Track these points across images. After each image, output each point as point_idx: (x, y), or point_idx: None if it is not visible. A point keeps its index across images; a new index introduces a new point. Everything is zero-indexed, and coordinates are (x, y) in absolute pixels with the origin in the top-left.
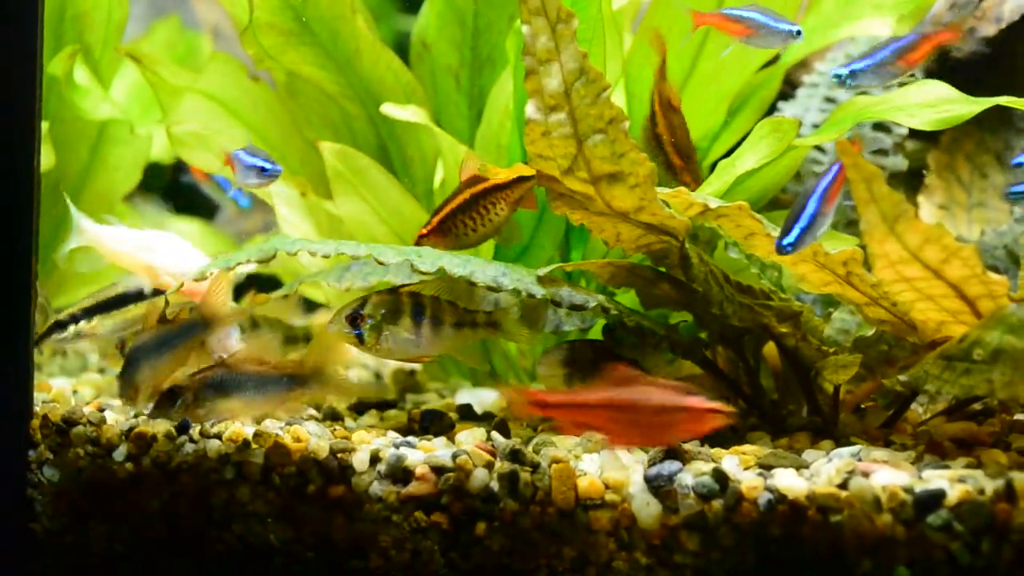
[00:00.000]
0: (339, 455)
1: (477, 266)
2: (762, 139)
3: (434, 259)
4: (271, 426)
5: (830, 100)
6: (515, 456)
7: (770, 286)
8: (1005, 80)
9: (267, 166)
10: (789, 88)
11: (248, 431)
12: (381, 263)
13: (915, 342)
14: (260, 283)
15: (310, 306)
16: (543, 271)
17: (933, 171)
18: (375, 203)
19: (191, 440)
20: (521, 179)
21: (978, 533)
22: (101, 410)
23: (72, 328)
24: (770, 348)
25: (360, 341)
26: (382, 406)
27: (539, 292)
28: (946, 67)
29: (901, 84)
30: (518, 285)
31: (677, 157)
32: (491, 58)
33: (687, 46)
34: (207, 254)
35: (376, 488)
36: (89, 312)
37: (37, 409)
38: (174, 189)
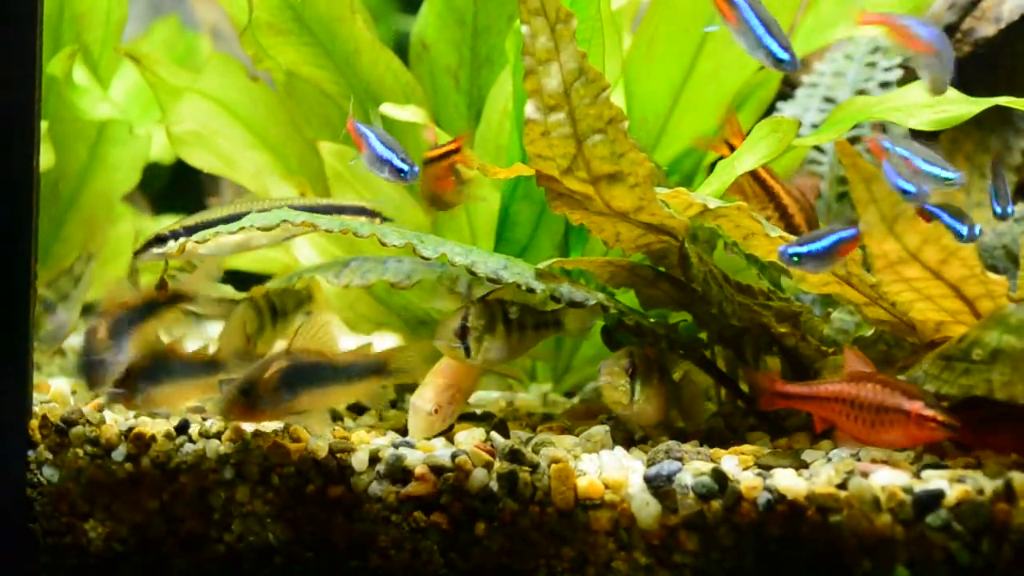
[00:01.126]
0: (338, 455)
1: (479, 256)
2: (761, 139)
3: (436, 245)
4: (270, 426)
5: (829, 100)
6: (514, 456)
7: (769, 286)
8: (1005, 80)
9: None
10: (788, 88)
11: (247, 430)
12: (384, 244)
13: (914, 342)
14: (252, 281)
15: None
16: (542, 266)
17: None
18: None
19: (190, 440)
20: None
21: (977, 533)
22: (100, 410)
23: (172, 243)
24: None
25: (467, 354)
26: None
27: (538, 287)
28: None
29: (900, 83)
30: (518, 279)
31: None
32: (490, 58)
33: (686, 46)
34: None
35: (375, 488)
36: (191, 230)
37: (36, 409)
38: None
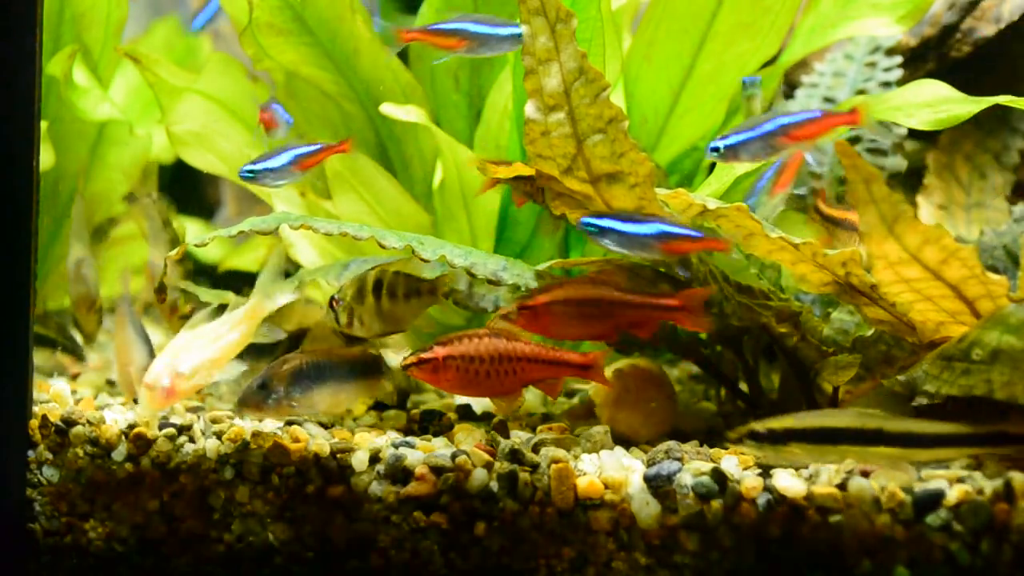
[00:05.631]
0: (338, 455)
1: (478, 258)
2: None
3: (436, 247)
4: (270, 426)
5: (829, 100)
6: (514, 456)
7: (769, 286)
8: (1005, 80)
9: None
10: (788, 88)
11: (247, 430)
12: (383, 246)
13: (914, 342)
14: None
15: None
16: (542, 267)
17: (932, 171)
18: (374, 203)
19: (190, 440)
20: None
21: (977, 533)
22: (100, 410)
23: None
24: None
25: (337, 322)
26: (382, 406)
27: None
28: (946, 67)
29: (900, 84)
30: (517, 280)
31: None
32: (490, 58)
33: (686, 45)
34: (210, 253)
35: (375, 488)
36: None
37: (36, 409)
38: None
